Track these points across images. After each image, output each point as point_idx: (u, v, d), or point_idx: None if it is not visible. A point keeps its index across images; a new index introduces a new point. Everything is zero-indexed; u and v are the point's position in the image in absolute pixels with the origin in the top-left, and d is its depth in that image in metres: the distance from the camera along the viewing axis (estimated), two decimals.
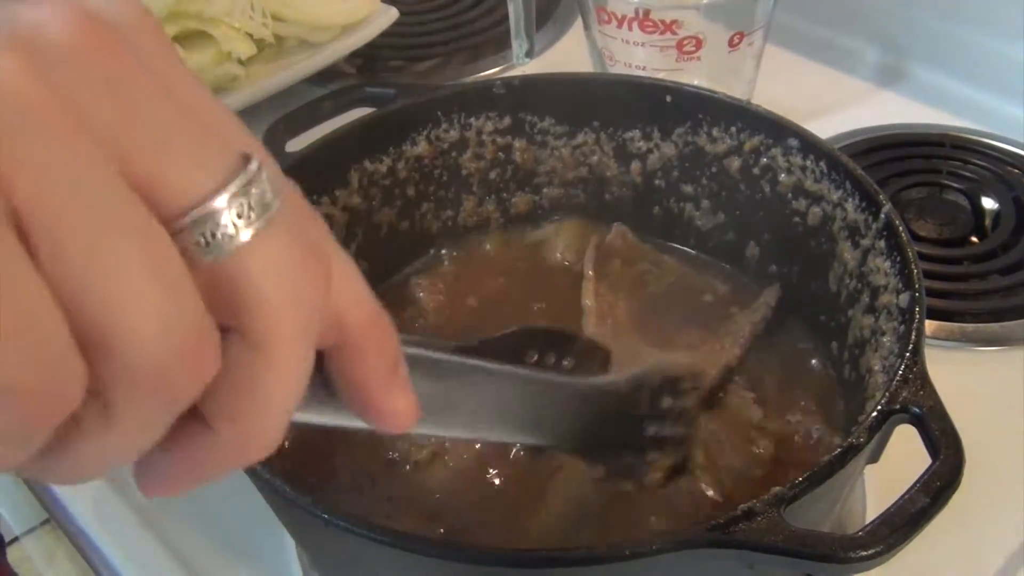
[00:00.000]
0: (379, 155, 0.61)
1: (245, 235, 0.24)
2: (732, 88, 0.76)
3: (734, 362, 0.57)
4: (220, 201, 0.23)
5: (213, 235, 0.23)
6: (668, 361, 0.51)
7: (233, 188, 0.24)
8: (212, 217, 0.23)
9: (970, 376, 0.62)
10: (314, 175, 0.59)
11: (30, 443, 0.22)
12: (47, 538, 1.51)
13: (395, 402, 0.29)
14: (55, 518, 0.70)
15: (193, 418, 0.25)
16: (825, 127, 0.80)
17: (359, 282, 0.28)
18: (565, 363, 0.43)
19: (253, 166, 0.24)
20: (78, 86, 0.22)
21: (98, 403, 0.22)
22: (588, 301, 0.61)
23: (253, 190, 0.24)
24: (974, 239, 0.73)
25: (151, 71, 0.24)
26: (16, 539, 1.46)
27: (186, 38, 0.81)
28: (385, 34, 0.90)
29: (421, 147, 0.62)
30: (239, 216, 0.24)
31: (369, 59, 0.95)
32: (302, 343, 0.25)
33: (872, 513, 0.54)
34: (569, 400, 0.44)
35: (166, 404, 0.23)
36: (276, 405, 0.25)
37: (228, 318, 0.24)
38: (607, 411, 0.45)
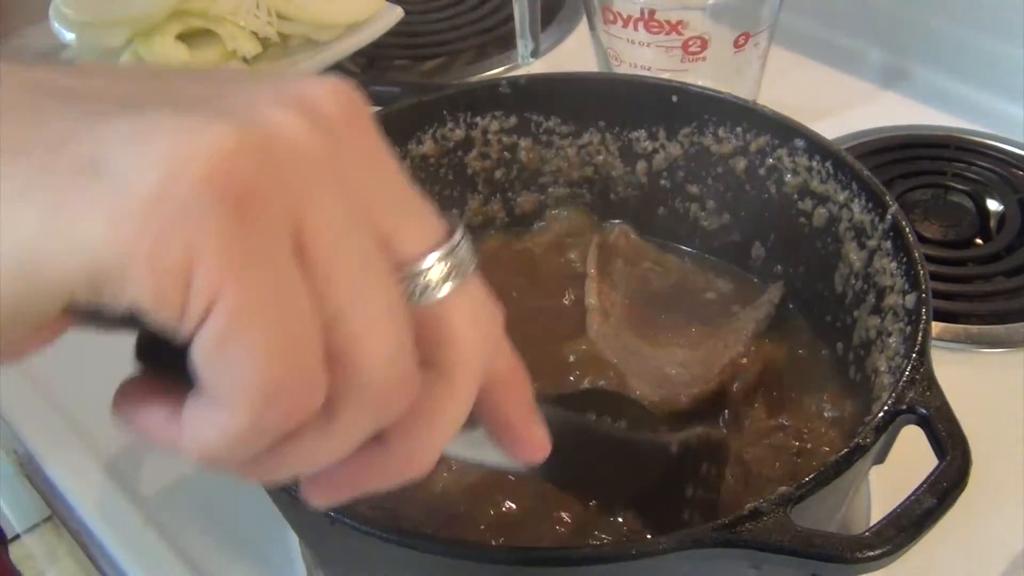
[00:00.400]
0: None
1: (447, 288, 0.29)
2: (737, 89, 0.76)
3: (738, 359, 0.57)
4: (432, 259, 0.29)
5: (426, 286, 0.29)
6: (709, 431, 0.52)
7: (444, 250, 0.29)
8: (427, 271, 0.29)
9: (974, 378, 0.62)
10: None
11: (267, 438, 0.26)
12: (49, 535, 1.51)
13: (535, 431, 0.34)
14: (58, 515, 0.70)
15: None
16: (830, 128, 0.80)
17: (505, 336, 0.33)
18: (620, 424, 0.47)
19: (457, 235, 0.30)
20: (346, 154, 0.27)
21: (325, 412, 0.27)
22: (591, 300, 0.61)
23: (457, 253, 0.29)
24: (979, 241, 0.73)
25: (381, 148, 0.29)
26: (17, 536, 1.46)
27: (191, 36, 0.81)
28: (390, 33, 0.91)
29: (427, 146, 0.62)
30: (445, 273, 0.29)
31: (373, 58, 0.95)
32: (480, 377, 0.30)
33: (876, 514, 0.54)
34: (629, 454, 0.47)
35: (378, 419, 0.28)
36: (447, 427, 0.30)
37: (424, 354, 0.29)
38: (655, 468, 0.48)
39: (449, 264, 0.29)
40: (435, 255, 0.29)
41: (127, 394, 0.29)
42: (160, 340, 0.26)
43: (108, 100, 0.26)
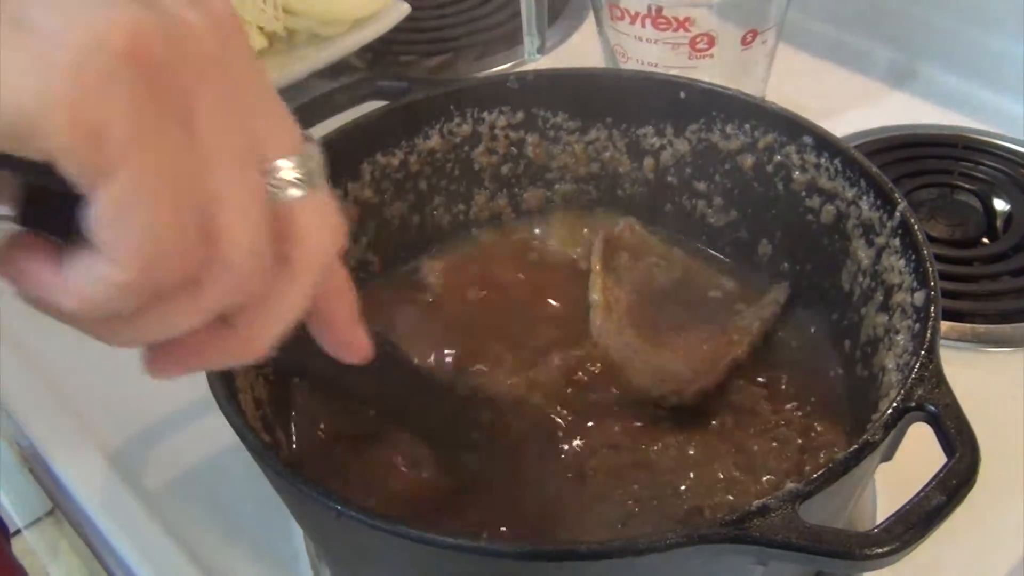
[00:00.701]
0: (391, 148, 0.61)
1: (300, 190, 0.32)
2: (744, 87, 0.76)
3: (742, 357, 0.57)
4: (292, 160, 0.32)
5: (282, 183, 0.32)
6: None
7: (301, 155, 0.32)
8: (285, 171, 0.32)
9: (981, 377, 0.62)
10: (326, 167, 0.59)
11: (139, 297, 0.29)
12: (50, 530, 1.51)
13: (358, 335, 0.38)
14: (60, 508, 0.70)
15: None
16: (837, 127, 0.78)
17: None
18: None
19: (313, 146, 0.34)
20: (233, 53, 0.31)
21: (190, 283, 0.30)
22: (595, 296, 0.61)
23: (311, 162, 0.33)
24: (985, 240, 0.73)
25: (253, 62, 0.32)
26: (19, 531, 1.46)
27: None
28: (396, 29, 0.90)
29: (434, 141, 0.62)
30: (300, 177, 0.32)
31: (380, 53, 0.95)
32: (319, 274, 0.34)
33: (882, 513, 0.54)
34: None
35: (234, 297, 0.31)
36: (286, 316, 0.33)
37: (274, 248, 0.32)
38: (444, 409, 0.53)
39: (303, 170, 0.32)
40: (294, 159, 0.32)
41: (8, 249, 0.31)
42: (41, 200, 0.29)
43: None
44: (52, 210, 0.29)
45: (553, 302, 0.62)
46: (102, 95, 0.27)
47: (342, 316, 0.38)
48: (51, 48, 0.26)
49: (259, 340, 0.33)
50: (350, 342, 0.38)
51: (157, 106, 0.28)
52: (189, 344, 0.32)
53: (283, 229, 0.32)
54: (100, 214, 0.28)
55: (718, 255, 0.65)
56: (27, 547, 1.45)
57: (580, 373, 0.58)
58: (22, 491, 1.41)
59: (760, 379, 0.57)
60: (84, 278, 0.29)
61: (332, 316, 0.37)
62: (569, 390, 0.57)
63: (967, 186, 0.76)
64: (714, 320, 0.60)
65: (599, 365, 0.58)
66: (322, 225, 0.33)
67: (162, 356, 0.33)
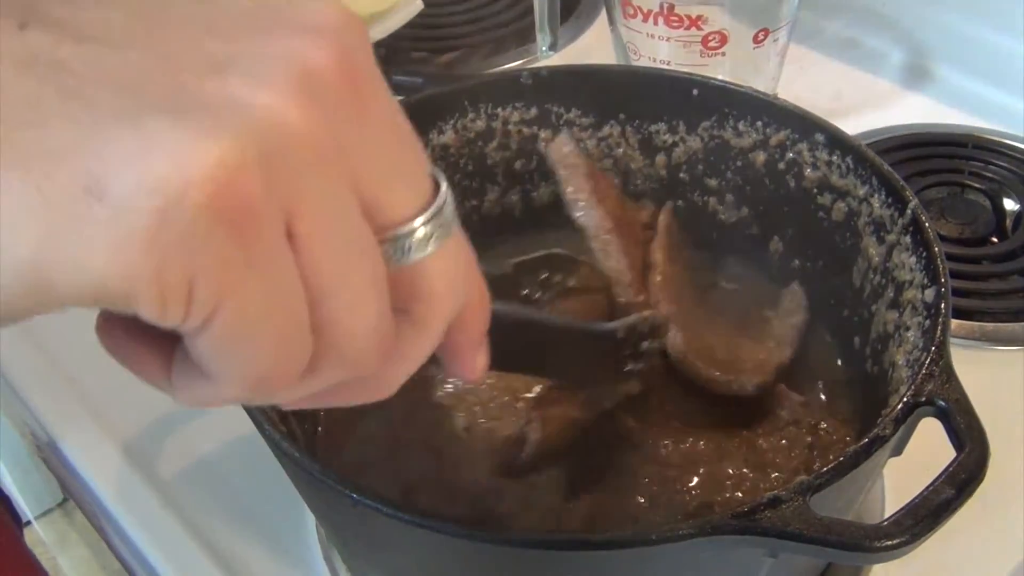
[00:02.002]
0: None
1: (430, 248, 0.30)
2: (755, 85, 0.76)
3: (786, 362, 0.57)
4: (419, 221, 0.30)
5: (409, 247, 0.30)
6: (653, 314, 0.56)
7: (430, 212, 0.30)
8: (412, 233, 0.30)
9: (989, 375, 0.62)
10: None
11: (267, 392, 0.29)
12: (60, 522, 1.52)
13: (479, 360, 0.36)
14: (74, 497, 0.71)
15: None
16: (848, 126, 0.78)
17: (476, 266, 0.34)
18: (571, 282, 0.56)
19: (443, 193, 0.31)
20: (341, 123, 0.28)
21: (307, 368, 0.29)
22: (659, 255, 0.61)
23: (441, 215, 0.30)
24: (995, 239, 0.73)
25: (379, 98, 0.29)
26: (29, 523, 1.47)
27: None
28: (409, 25, 0.91)
29: (448, 136, 0.63)
30: (428, 234, 0.30)
31: (392, 50, 0.95)
32: (448, 322, 0.32)
33: (891, 508, 0.55)
34: (578, 340, 0.52)
35: (355, 374, 0.30)
36: (415, 364, 0.32)
37: (399, 302, 0.30)
38: (603, 350, 0.52)
39: (432, 226, 0.30)
40: (420, 219, 0.30)
41: (110, 326, 0.29)
42: None
43: (105, 87, 0.26)
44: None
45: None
46: (186, 257, 0.25)
47: (467, 345, 0.36)
48: (125, 218, 0.24)
49: (388, 385, 0.33)
50: (467, 366, 0.36)
51: (252, 246, 0.26)
52: (316, 394, 0.31)
53: (409, 289, 0.30)
54: (200, 352, 0.27)
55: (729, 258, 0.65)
56: (37, 538, 1.46)
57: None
58: (33, 483, 1.42)
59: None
60: (191, 388, 0.28)
61: (457, 346, 0.35)
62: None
63: (977, 185, 0.76)
64: (747, 328, 0.60)
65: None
66: (452, 276, 0.31)
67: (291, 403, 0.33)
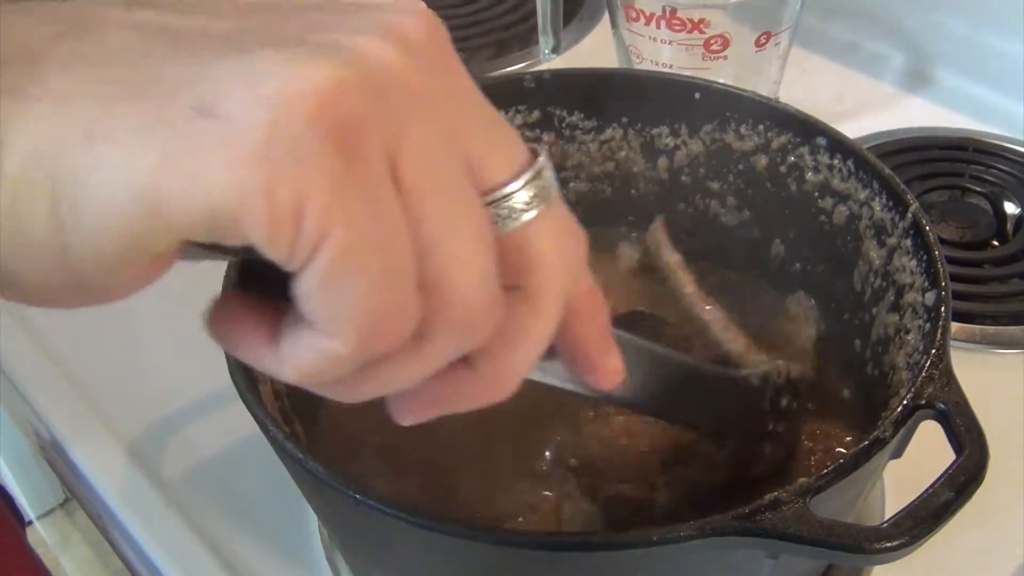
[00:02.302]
0: None
1: (531, 213, 0.30)
2: (757, 88, 0.76)
3: (811, 377, 0.57)
4: (518, 185, 0.30)
5: (511, 211, 0.30)
6: (789, 364, 0.54)
7: (529, 175, 0.30)
8: (512, 196, 0.30)
9: (990, 378, 0.62)
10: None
11: (364, 359, 0.28)
12: (61, 522, 1.53)
13: (611, 360, 0.36)
14: (77, 497, 0.71)
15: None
16: (849, 130, 0.78)
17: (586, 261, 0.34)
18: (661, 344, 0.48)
19: (542, 159, 0.31)
20: (434, 80, 0.28)
21: (416, 335, 0.28)
22: (689, 288, 0.61)
23: (541, 178, 0.30)
24: (995, 243, 0.74)
25: (465, 74, 0.30)
26: (31, 522, 1.47)
27: None
28: None
29: None
30: (530, 198, 0.30)
31: None
32: (563, 300, 0.31)
33: (890, 510, 0.55)
34: (706, 384, 0.50)
35: (467, 341, 0.29)
36: (531, 350, 0.31)
37: (509, 278, 0.30)
38: (737, 401, 0.51)
39: (533, 190, 0.30)
40: (520, 181, 0.30)
41: (221, 312, 0.30)
42: (255, 266, 0.28)
43: (214, 39, 0.27)
44: (267, 276, 0.28)
45: None
46: (296, 172, 0.25)
47: (592, 338, 0.35)
48: (237, 132, 0.25)
49: (505, 379, 0.31)
50: (599, 368, 0.36)
51: (359, 166, 0.26)
52: (430, 391, 0.31)
53: (516, 258, 0.30)
54: (307, 291, 0.26)
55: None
56: (39, 538, 1.47)
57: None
58: (35, 483, 1.42)
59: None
60: (299, 350, 0.28)
61: (581, 339, 0.34)
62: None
63: (978, 189, 0.77)
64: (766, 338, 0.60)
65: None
66: (559, 246, 0.31)
67: (403, 405, 0.32)
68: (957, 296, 0.67)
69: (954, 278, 0.67)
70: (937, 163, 0.79)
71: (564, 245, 0.31)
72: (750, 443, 0.52)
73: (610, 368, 0.36)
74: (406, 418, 0.32)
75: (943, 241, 0.72)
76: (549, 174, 0.31)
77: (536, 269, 0.30)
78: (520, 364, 0.31)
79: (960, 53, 0.87)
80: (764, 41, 0.75)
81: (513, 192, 0.30)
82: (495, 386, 0.31)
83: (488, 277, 0.29)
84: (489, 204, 0.29)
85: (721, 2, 0.74)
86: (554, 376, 0.37)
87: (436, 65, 0.29)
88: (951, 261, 0.69)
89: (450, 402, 0.32)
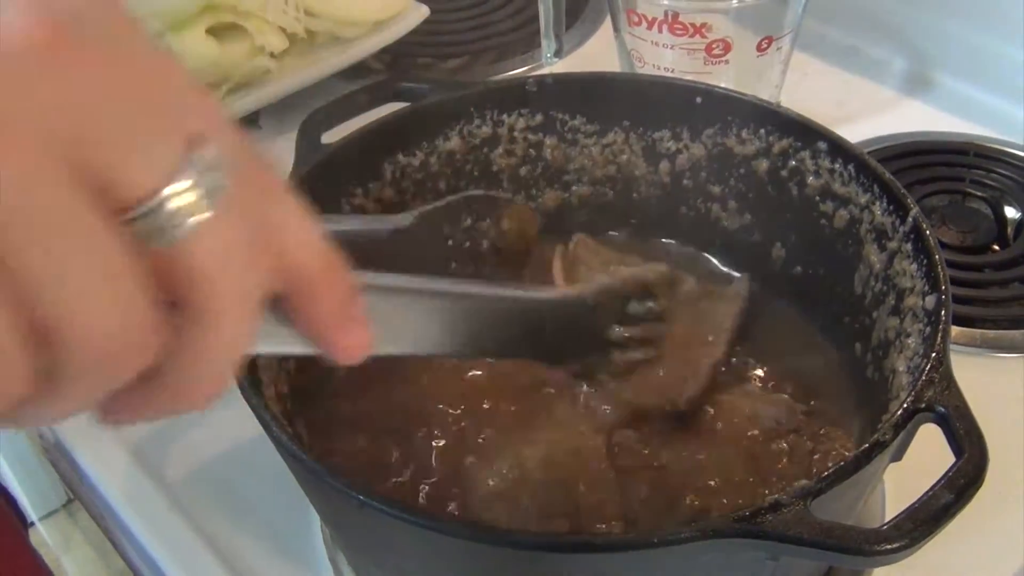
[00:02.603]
0: (413, 149, 0.62)
1: (192, 224, 0.26)
2: (759, 92, 0.76)
3: (723, 358, 0.58)
4: (169, 191, 0.25)
5: (162, 226, 0.26)
6: (638, 271, 0.54)
7: (182, 179, 0.26)
8: (162, 208, 0.25)
9: (990, 382, 0.62)
10: (349, 167, 0.60)
11: None
12: (63, 523, 1.53)
13: (348, 338, 0.33)
14: (81, 500, 0.71)
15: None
16: (850, 134, 0.79)
17: (311, 232, 0.31)
18: (504, 224, 0.51)
19: (204, 153, 0.26)
20: (34, 91, 0.24)
21: (47, 381, 0.25)
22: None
23: (202, 177, 0.26)
24: (996, 247, 0.74)
25: (108, 55, 0.25)
26: (32, 524, 1.47)
27: (221, 31, 0.82)
28: (414, 32, 0.91)
29: (454, 142, 0.63)
30: (187, 205, 0.26)
31: (397, 56, 0.96)
32: (240, 310, 0.28)
33: (890, 513, 0.55)
34: (530, 313, 0.48)
35: (112, 375, 0.26)
36: (216, 362, 0.28)
37: (172, 294, 0.27)
38: (570, 321, 0.50)
39: (190, 196, 0.26)
40: (173, 186, 0.26)
41: None
42: None
43: None
44: None
45: None
46: None
47: (323, 316, 0.32)
48: None
49: (203, 386, 0.29)
50: (337, 345, 0.33)
51: None
52: (123, 402, 0.28)
53: (175, 275, 0.26)
54: None
55: (686, 250, 0.66)
56: (41, 539, 1.47)
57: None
58: (37, 484, 1.42)
59: (771, 384, 0.57)
60: None
61: (311, 319, 0.32)
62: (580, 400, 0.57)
63: (978, 193, 0.77)
64: (684, 323, 0.60)
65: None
66: (228, 252, 0.27)
67: (103, 414, 0.29)
68: (957, 300, 0.67)
69: (954, 282, 0.67)
70: (938, 167, 0.79)
71: (234, 253, 0.27)
72: (602, 354, 0.52)
73: (351, 343, 0.33)
74: (108, 421, 0.29)
75: (943, 245, 0.72)
76: (215, 169, 0.27)
77: (199, 285, 0.27)
78: (214, 372, 0.29)
79: (961, 57, 0.87)
80: (766, 46, 0.76)
81: (162, 203, 0.25)
82: (194, 394, 0.29)
83: (118, 324, 0.25)
84: (132, 222, 0.25)
85: (723, 6, 0.74)
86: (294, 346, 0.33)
87: (43, 66, 0.24)
88: (951, 265, 0.69)
89: (152, 409, 0.29)
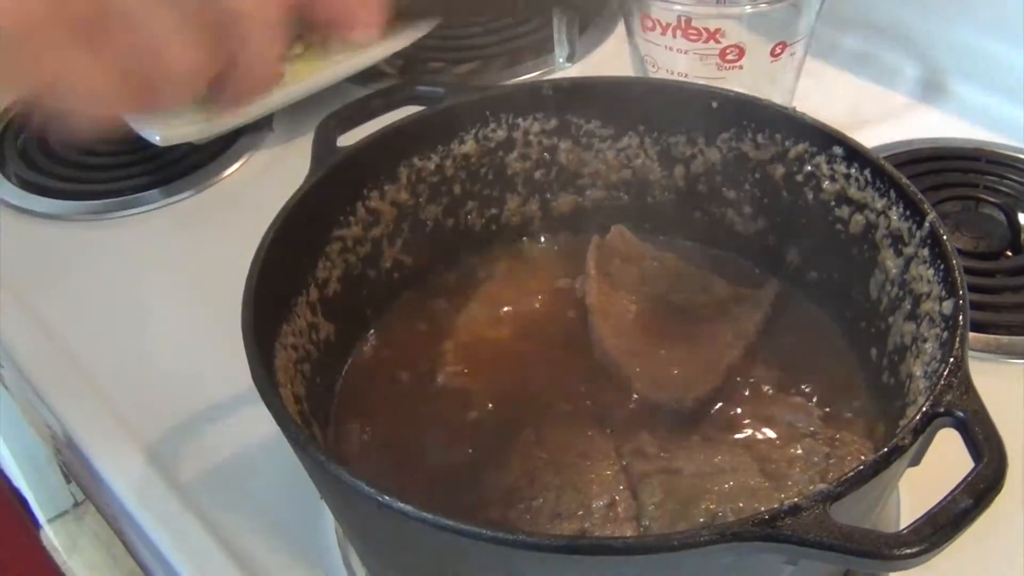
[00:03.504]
0: (428, 152, 0.63)
1: None
2: (772, 98, 0.77)
3: (738, 361, 0.58)
4: None
5: None
6: None
7: None
8: None
9: (1003, 388, 0.63)
10: (365, 170, 0.60)
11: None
12: (70, 526, 1.53)
13: (364, 11, 0.47)
14: (94, 500, 0.71)
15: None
16: (863, 140, 0.78)
17: None
18: None
19: None
20: None
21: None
22: (592, 300, 0.62)
23: None
24: (1009, 253, 0.74)
25: None
26: (39, 527, 1.48)
27: None
28: (426, 36, 0.91)
29: (469, 146, 0.63)
30: None
31: (410, 60, 0.96)
32: (266, 29, 0.44)
33: (906, 518, 0.55)
34: None
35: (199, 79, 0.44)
36: (261, 59, 0.45)
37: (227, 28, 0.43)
38: None
39: None
40: None
41: None
42: None
43: None
44: None
45: (549, 321, 0.64)
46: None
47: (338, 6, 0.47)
48: None
49: (257, 79, 0.45)
50: (359, 20, 0.47)
51: None
52: (218, 91, 0.45)
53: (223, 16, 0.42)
54: None
55: (715, 253, 0.66)
56: (49, 542, 1.47)
57: (584, 387, 0.59)
58: (47, 486, 1.43)
59: (786, 388, 0.57)
60: None
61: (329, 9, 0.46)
62: (588, 402, 0.58)
63: (991, 199, 0.77)
64: (709, 323, 0.61)
65: (600, 375, 0.59)
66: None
67: (214, 101, 0.46)
68: (971, 306, 0.65)
69: (969, 288, 0.67)
70: (951, 174, 0.79)
71: None
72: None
73: (365, 22, 0.47)
74: (225, 108, 0.48)
75: (958, 251, 0.72)
76: None
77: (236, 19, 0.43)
78: (261, 70, 0.45)
79: (974, 64, 0.87)
80: (779, 51, 0.76)
81: None
82: (259, 76, 0.45)
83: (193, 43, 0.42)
84: None
85: (736, 12, 0.74)
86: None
87: None
88: (965, 271, 0.68)
89: (236, 94, 0.46)
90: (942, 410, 0.43)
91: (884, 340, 0.56)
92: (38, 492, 1.42)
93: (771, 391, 0.58)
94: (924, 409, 0.43)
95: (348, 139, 0.61)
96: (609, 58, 0.94)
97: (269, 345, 0.51)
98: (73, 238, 0.81)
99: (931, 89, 0.89)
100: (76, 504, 1.66)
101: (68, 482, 1.60)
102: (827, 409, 0.56)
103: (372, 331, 0.63)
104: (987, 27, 0.86)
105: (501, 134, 0.64)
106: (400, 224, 0.63)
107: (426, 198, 0.63)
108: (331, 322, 0.59)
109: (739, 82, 0.76)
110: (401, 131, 0.61)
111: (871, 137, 0.82)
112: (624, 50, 0.82)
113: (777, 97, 0.78)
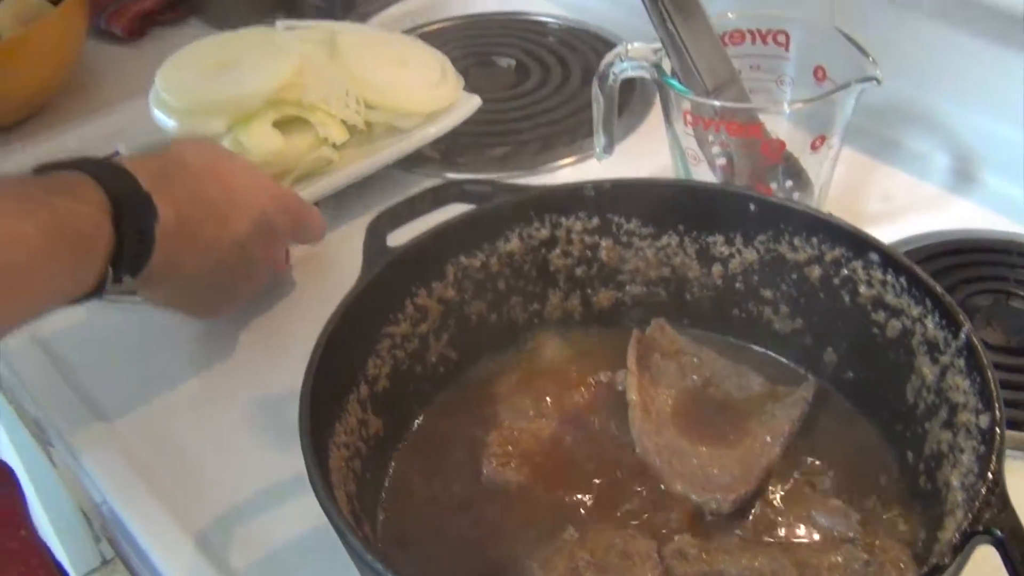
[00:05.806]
0: (474, 250, 0.65)
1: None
2: (811, 188, 0.79)
3: (776, 461, 0.59)
4: None
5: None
6: None
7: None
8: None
9: None
10: (414, 268, 0.62)
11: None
12: None
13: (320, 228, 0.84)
14: (121, 556, 0.73)
15: None
16: (895, 230, 0.82)
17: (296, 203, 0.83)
18: None
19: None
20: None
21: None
22: (632, 396, 0.63)
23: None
24: None
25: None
26: None
27: (286, 124, 0.85)
28: (465, 122, 0.94)
29: (513, 244, 0.65)
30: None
31: (450, 145, 0.98)
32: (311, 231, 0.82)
33: None
34: None
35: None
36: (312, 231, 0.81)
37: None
38: None
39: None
40: None
41: None
42: None
43: None
44: None
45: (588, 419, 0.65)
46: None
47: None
48: None
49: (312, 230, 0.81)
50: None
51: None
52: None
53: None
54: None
55: (753, 350, 0.67)
56: None
57: (623, 484, 0.60)
58: (79, 544, 1.44)
59: (824, 490, 0.59)
60: None
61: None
62: (630, 499, 0.59)
63: (1023, 293, 0.78)
64: (746, 420, 0.62)
65: (638, 474, 0.60)
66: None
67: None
68: (1004, 403, 0.68)
69: (1000, 384, 0.68)
70: (982, 266, 0.80)
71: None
72: None
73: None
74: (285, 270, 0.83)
75: (988, 346, 0.73)
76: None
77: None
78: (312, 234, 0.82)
79: (1005, 154, 0.88)
80: (819, 144, 0.77)
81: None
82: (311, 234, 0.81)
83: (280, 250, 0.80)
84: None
85: (778, 109, 0.76)
86: None
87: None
88: (997, 367, 0.69)
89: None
90: (980, 529, 0.44)
91: (921, 445, 0.57)
92: (69, 548, 1.43)
93: (809, 492, 0.59)
94: (963, 528, 0.44)
95: (398, 236, 0.63)
96: (646, 145, 0.95)
97: (324, 447, 0.53)
98: (129, 324, 0.82)
99: (962, 179, 0.90)
100: (106, 561, 1.67)
101: (98, 541, 1.62)
102: (865, 512, 0.57)
103: (417, 424, 0.64)
104: (1019, 117, 0.88)
105: (545, 232, 0.66)
106: (446, 320, 0.65)
107: (471, 294, 0.65)
108: (379, 417, 0.60)
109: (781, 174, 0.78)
110: (449, 231, 0.63)
111: (902, 227, 0.83)
112: (660, 134, 0.83)
113: (817, 187, 0.80)
